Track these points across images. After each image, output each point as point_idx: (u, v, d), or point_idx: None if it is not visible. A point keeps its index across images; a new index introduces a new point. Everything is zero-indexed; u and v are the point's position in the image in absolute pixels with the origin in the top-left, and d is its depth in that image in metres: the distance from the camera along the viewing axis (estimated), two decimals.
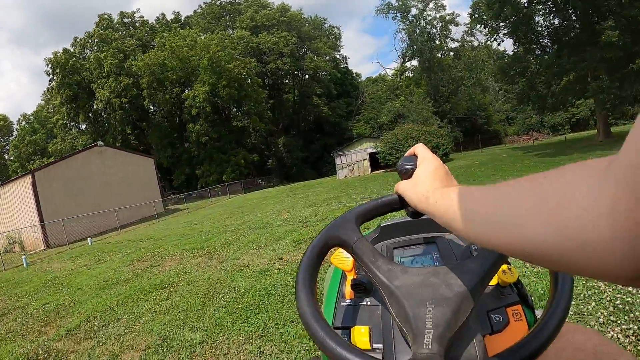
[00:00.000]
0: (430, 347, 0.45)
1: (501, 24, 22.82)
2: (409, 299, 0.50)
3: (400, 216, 0.90)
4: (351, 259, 0.72)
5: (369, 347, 0.61)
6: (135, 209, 25.44)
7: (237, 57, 37.05)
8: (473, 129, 48.70)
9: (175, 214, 24.62)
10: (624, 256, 0.25)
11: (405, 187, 0.59)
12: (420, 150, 0.63)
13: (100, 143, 27.18)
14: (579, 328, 0.67)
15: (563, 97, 22.78)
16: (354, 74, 63.13)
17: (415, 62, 50.66)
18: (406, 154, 0.64)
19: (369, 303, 0.69)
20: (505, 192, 0.38)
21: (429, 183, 0.55)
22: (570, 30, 20.56)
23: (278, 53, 40.79)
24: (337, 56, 55.45)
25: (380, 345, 0.61)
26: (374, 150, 28.92)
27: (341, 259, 0.73)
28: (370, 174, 28.49)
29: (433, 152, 0.62)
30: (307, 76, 49.21)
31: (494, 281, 0.64)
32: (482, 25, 25.32)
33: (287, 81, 48.89)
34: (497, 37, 24.00)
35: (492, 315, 0.62)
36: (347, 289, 0.72)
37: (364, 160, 30.30)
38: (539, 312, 0.62)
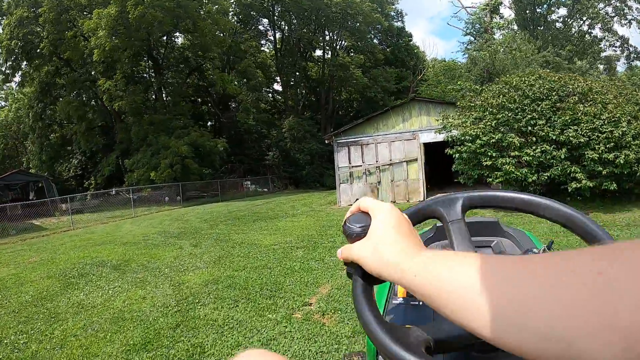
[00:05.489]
0: None
1: None
2: None
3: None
4: None
5: None
6: None
7: None
8: None
9: None
10: None
11: (360, 252, 0.43)
12: (370, 202, 0.47)
13: None
14: None
15: None
16: (414, 45, 43.99)
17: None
18: (351, 213, 0.48)
19: (421, 303, 0.65)
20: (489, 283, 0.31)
21: (395, 244, 0.41)
22: None
23: None
24: (390, 12, 37.46)
25: None
26: (438, 139, 10.85)
27: None
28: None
29: None
30: (341, 42, 32.01)
31: None
32: None
33: (310, 40, 32.15)
34: None
35: None
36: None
37: (407, 161, 12.46)
38: None
